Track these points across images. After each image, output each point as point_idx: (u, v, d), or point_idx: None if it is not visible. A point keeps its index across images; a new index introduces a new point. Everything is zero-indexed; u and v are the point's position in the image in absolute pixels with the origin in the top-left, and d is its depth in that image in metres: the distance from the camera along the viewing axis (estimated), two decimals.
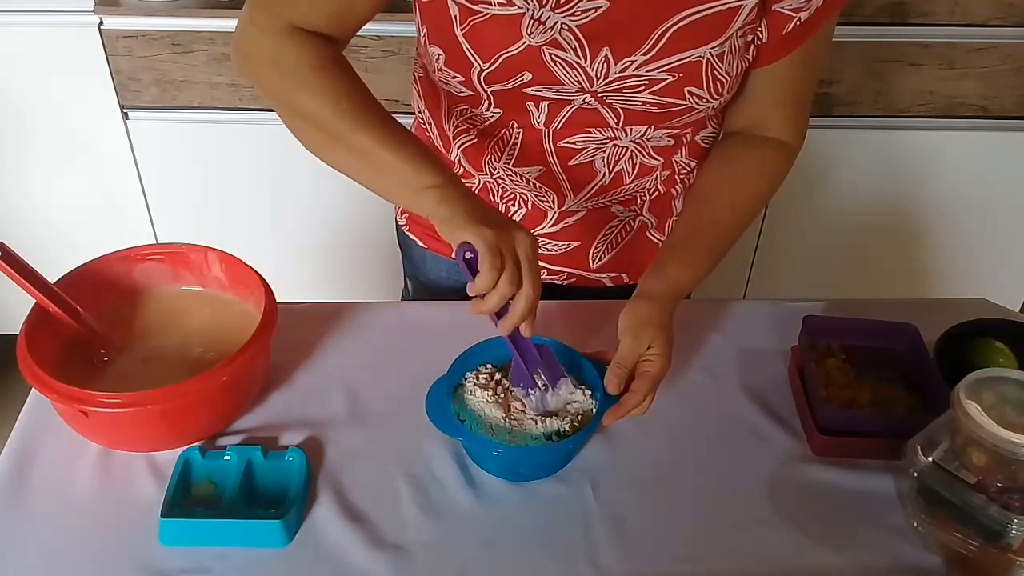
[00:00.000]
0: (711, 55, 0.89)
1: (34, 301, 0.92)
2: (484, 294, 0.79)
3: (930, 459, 0.83)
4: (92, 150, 1.77)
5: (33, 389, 0.92)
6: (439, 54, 0.93)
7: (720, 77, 0.91)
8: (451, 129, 1.05)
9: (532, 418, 0.89)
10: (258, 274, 0.99)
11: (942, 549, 0.85)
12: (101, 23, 1.61)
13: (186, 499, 0.87)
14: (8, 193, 1.82)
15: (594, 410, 0.90)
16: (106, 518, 0.86)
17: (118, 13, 1.61)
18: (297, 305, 1.08)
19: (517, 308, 0.80)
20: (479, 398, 0.90)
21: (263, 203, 1.85)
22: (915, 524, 0.86)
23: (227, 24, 1.60)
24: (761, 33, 0.91)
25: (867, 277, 2.00)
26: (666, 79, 0.91)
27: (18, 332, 0.89)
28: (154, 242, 1.87)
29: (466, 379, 0.93)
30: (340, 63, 0.90)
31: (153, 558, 0.82)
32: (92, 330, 0.95)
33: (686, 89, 0.92)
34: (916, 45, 1.66)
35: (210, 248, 1.02)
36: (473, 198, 0.83)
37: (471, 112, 1.00)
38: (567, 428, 0.88)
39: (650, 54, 0.89)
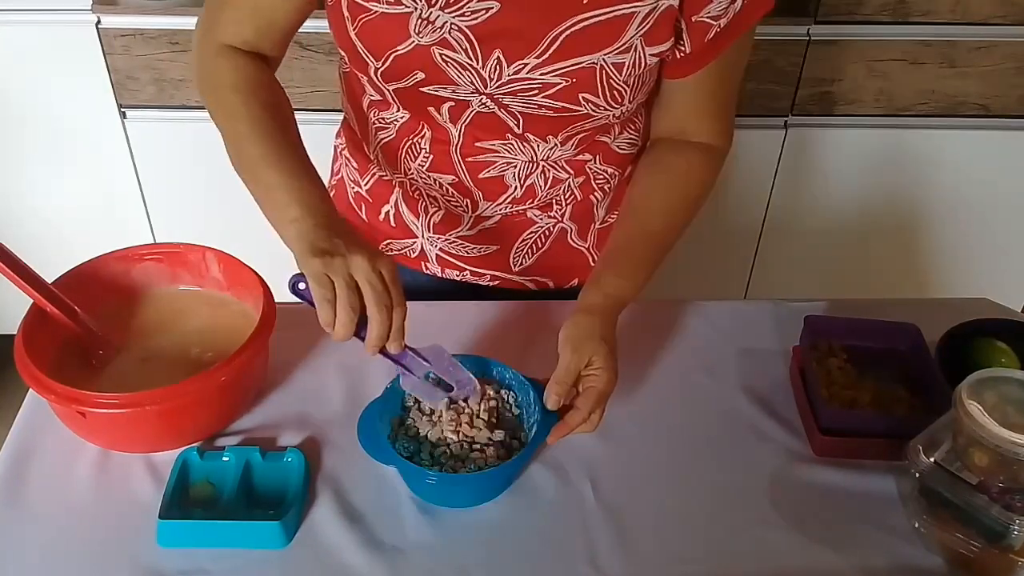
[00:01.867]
0: (605, 62, 0.89)
1: (31, 301, 0.92)
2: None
3: (932, 459, 0.83)
4: (90, 149, 1.76)
5: (31, 390, 0.92)
6: (342, 55, 0.96)
7: (617, 86, 0.91)
8: (371, 128, 1.05)
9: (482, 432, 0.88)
10: (256, 274, 0.98)
11: (944, 550, 0.85)
12: (99, 22, 1.61)
13: (184, 500, 0.87)
14: (5, 192, 1.82)
15: (533, 428, 0.88)
16: (104, 519, 0.86)
17: (116, 12, 1.60)
18: (296, 305, 1.08)
19: (371, 334, 0.79)
20: (429, 420, 0.89)
21: None
22: (916, 525, 0.86)
23: None
24: (684, 46, 0.91)
25: (868, 277, 2.00)
26: (559, 83, 0.90)
27: (15, 332, 0.89)
28: (152, 242, 1.87)
29: (408, 404, 0.91)
30: (262, 85, 0.92)
31: (151, 559, 0.82)
32: (90, 330, 0.95)
33: (580, 95, 0.91)
34: (917, 44, 1.66)
35: (208, 248, 1.01)
36: (325, 229, 0.81)
37: (382, 114, 1.02)
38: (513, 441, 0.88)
39: (543, 58, 0.89)
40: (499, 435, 0.88)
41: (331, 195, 1.08)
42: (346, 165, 1.15)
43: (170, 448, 0.90)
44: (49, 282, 0.93)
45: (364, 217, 1.15)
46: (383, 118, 1.02)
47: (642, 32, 0.88)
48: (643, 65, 0.90)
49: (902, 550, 0.86)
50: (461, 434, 0.87)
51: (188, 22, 1.60)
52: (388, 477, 0.90)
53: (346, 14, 0.90)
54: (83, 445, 0.91)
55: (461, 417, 0.88)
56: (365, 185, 1.13)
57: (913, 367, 1.00)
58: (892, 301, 1.20)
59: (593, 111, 0.93)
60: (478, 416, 0.89)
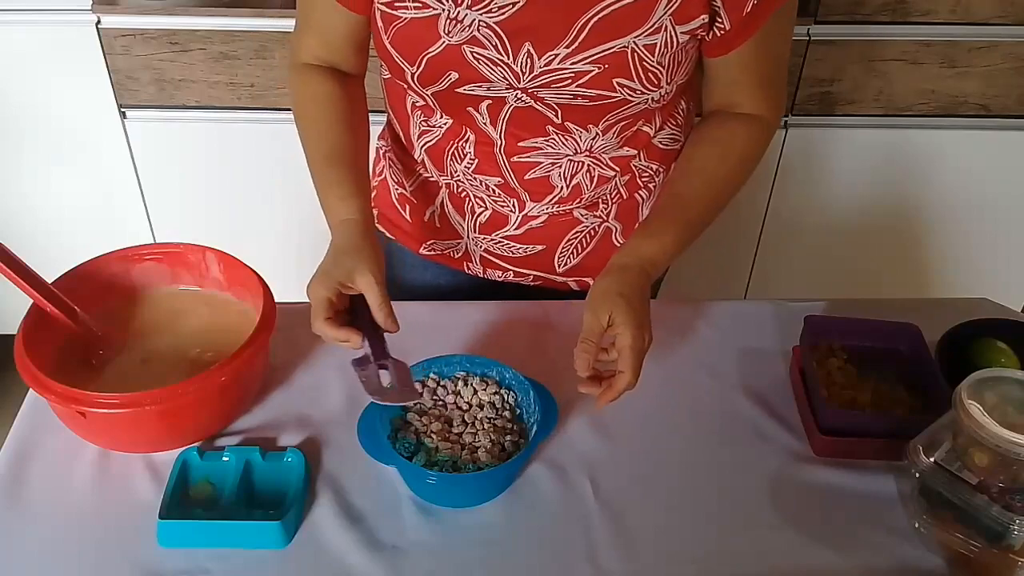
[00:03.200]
0: (636, 45, 0.89)
1: (31, 301, 0.92)
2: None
3: (932, 460, 0.83)
4: (90, 149, 1.76)
5: (31, 390, 0.92)
6: (382, 65, 0.98)
7: (652, 68, 0.91)
8: (415, 132, 1.06)
9: (477, 440, 0.88)
10: (256, 274, 0.98)
11: (944, 550, 0.85)
12: (99, 22, 1.60)
13: (184, 500, 0.87)
14: (5, 192, 1.82)
15: (533, 428, 0.89)
16: (104, 519, 0.86)
17: (116, 12, 1.60)
18: (296, 305, 1.07)
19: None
20: (423, 425, 0.90)
21: (262, 202, 1.85)
22: (917, 525, 0.86)
23: (225, 23, 1.60)
24: (722, 22, 0.90)
25: (868, 277, 2.00)
26: (592, 71, 0.90)
27: (15, 332, 0.89)
28: (152, 242, 1.87)
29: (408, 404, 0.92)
30: (331, 100, 0.99)
31: (151, 559, 0.82)
32: (90, 330, 0.95)
33: (614, 80, 0.91)
34: (917, 43, 1.66)
35: (208, 248, 1.01)
36: (332, 254, 0.90)
37: (426, 119, 1.03)
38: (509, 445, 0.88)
39: (572, 46, 0.89)
40: (499, 438, 0.88)
41: (372, 195, 1.12)
42: (390, 166, 1.15)
43: (170, 448, 0.90)
44: (49, 282, 0.93)
45: (408, 218, 1.15)
46: (427, 122, 1.03)
47: (671, 11, 0.88)
48: (675, 44, 0.90)
49: (902, 550, 0.86)
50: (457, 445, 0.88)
51: (188, 22, 1.60)
52: (388, 477, 0.90)
53: (380, 24, 0.92)
54: (83, 445, 0.91)
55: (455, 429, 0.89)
56: (410, 187, 1.13)
57: (913, 367, 1.00)
58: (892, 301, 1.20)
59: (630, 96, 0.93)
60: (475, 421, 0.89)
